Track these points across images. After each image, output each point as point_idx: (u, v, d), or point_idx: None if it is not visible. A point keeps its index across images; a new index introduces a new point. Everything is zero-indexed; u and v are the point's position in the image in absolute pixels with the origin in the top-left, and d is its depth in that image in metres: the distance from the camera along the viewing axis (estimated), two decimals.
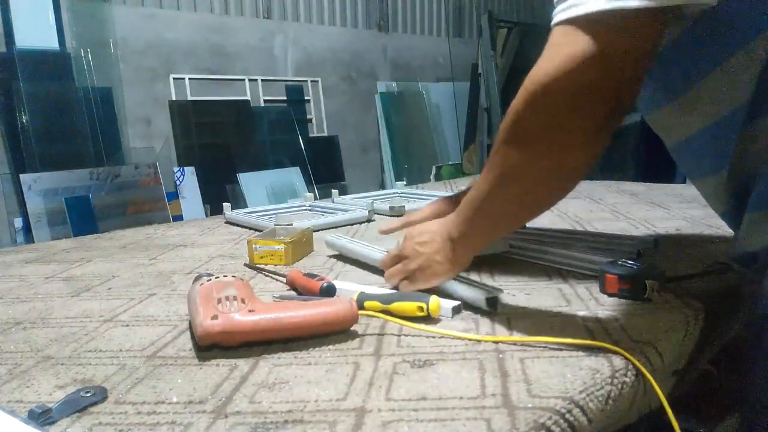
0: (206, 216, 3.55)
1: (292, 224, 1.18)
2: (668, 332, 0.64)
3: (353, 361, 0.59)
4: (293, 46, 4.35)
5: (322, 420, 0.47)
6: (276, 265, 0.99)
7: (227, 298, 0.63)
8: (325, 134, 4.55)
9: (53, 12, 3.21)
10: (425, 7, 5.37)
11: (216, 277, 0.69)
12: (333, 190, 1.73)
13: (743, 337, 0.65)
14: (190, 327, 0.68)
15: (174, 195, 3.61)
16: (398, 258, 0.79)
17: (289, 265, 0.99)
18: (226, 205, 1.50)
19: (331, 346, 0.62)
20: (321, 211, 1.53)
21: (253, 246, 1.00)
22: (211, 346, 0.62)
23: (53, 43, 3.21)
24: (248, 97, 4.07)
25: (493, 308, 0.71)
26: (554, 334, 0.63)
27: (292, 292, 0.83)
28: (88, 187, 3.20)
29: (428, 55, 5.24)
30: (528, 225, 1.08)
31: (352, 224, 1.35)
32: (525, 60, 4.44)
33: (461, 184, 2.12)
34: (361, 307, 0.69)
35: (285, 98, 4.30)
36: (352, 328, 0.66)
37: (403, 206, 1.45)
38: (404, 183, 2.00)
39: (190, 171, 3.69)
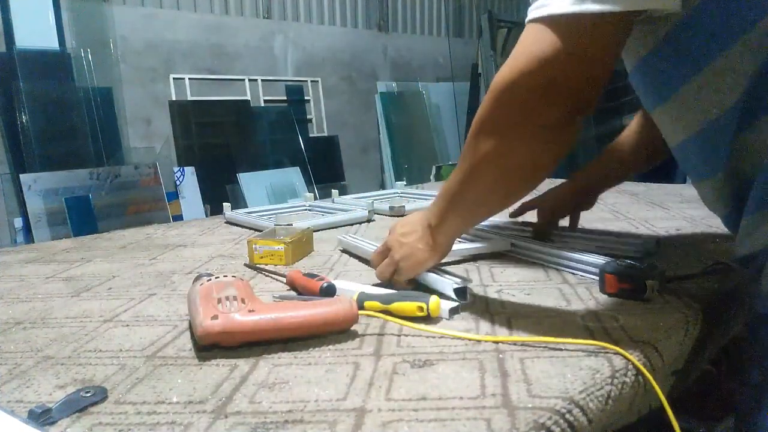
0: (206, 216, 3.55)
1: (292, 224, 1.18)
2: (668, 332, 0.64)
3: (353, 361, 0.59)
4: (293, 46, 4.36)
5: (322, 420, 0.47)
6: (276, 265, 0.99)
7: (227, 298, 0.63)
8: (325, 134, 4.55)
9: (53, 12, 3.21)
10: (425, 7, 5.37)
11: (216, 277, 0.69)
12: (333, 190, 1.73)
13: (743, 337, 0.65)
14: (190, 327, 0.68)
15: (174, 195, 3.62)
16: (385, 253, 0.81)
17: (289, 265, 0.99)
18: (226, 205, 1.50)
19: (331, 346, 0.62)
20: (321, 211, 1.53)
21: (253, 246, 1.00)
22: (211, 346, 0.62)
23: (53, 43, 3.22)
24: (248, 97, 4.07)
25: (463, 298, 0.73)
26: (554, 334, 0.63)
27: (292, 292, 0.83)
28: (88, 187, 3.20)
29: (428, 55, 5.25)
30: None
31: (352, 224, 1.35)
32: None
33: None
34: (361, 307, 0.69)
35: (285, 98, 4.30)
36: (352, 328, 0.66)
37: (403, 206, 1.45)
38: (404, 183, 2.00)
39: (190, 171, 3.69)
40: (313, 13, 4.52)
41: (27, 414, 0.48)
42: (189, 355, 0.62)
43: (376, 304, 0.70)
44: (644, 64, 0.67)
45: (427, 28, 5.42)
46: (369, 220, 1.39)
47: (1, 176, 3.09)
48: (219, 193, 3.48)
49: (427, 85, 5.14)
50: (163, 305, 0.80)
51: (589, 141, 4.46)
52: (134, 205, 3.37)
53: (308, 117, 4.44)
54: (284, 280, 0.86)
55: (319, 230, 1.26)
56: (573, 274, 0.86)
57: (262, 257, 1.00)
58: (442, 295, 0.72)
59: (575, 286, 0.81)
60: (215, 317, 0.60)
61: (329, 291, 0.77)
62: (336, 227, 1.33)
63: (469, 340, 0.63)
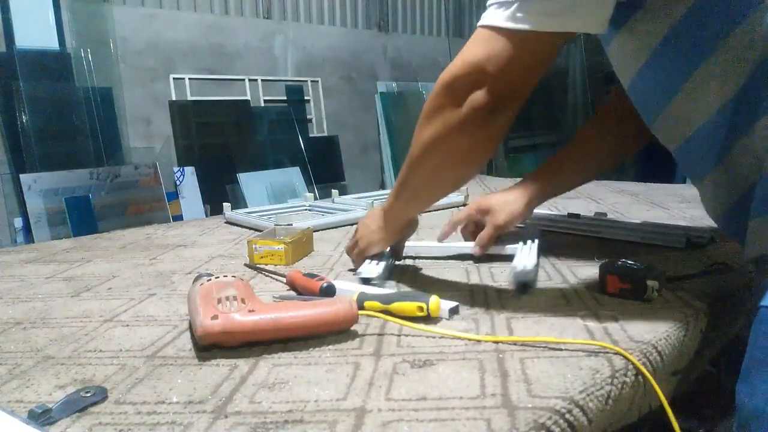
0: (206, 216, 3.55)
1: (292, 224, 1.18)
2: (668, 332, 0.64)
3: (353, 361, 0.59)
4: (293, 46, 4.35)
5: (322, 420, 0.47)
6: (276, 265, 0.99)
7: (227, 298, 0.63)
8: (325, 134, 4.55)
9: (53, 12, 3.21)
10: (425, 7, 5.37)
11: (216, 277, 0.69)
12: (333, 190, 1.73)
13: (743, 337, 0.65)
14: (190, 327, 0.68)
15: (174, 195, 3.61)
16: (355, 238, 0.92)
17: (289, 265, 0.99)
18: (226, 205, 1.50)
19: (331, 346, 0.62)
20: (321, 211, 1.54)
21: (253, 246, 1.01)
22: (211, 346, 0.62)
23: (53, 43, 3.21)
24: (248, 97, 4.07)
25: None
26: (554, 334, 0.63)
27: (292, 292, 0.83)
28: (88, 187, 3.20)
29: (428, 55, 5.24)
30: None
31: (352, 224, 1.35)
32: None
33: None
34: (361, 307, 0.69)
35: (285, 98, 4.30)
36: (352, 328, 0.66)
37: None
38: None
39: (190, 171, 3.69)
40: (313, 13, 4.52)
41: (27, 414, 0.48)
42: (189, 355, 0.62)
43: (376, 304, 0.70)
44: (640, 77, 0.69)
45: (427, 28, 5.41)
46: None
47: (1, 176, 3.09)
48: (219, 193, 3.47)
49: (427, 85, 5.14)
50: (163, 305, 0.80)
51: None
52: (134, 205, 3.37)
53: (308, 117, 4.43)
54: (284, 280, 0.86)
55: (319, 230, 1.26)
56: (573, 273, 0.86)
57: (262, 257, 1.00)
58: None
59: (575, 286, 0.81)
60: (215, 317, 0.60)
61: (329, 291, 0.77)
62: (336, 227, 1.33)
63: (469, 340, 0.63)
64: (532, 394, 0.50)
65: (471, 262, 0.96)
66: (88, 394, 0.52)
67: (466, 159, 0.72)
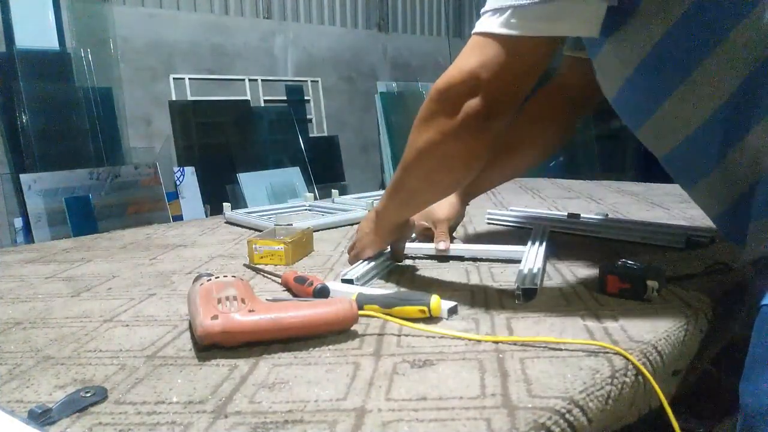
0: (206, 216, 3.55)
1: (292, 224, 1.18)
2: (668, 332, 0.64)
3: (353, 361, 0.59)
4: (293, 46, 4.36)
5: (322, 420, 0.47)
6: (276, 266, 0.99)
7: (227, 298, 0.63)
8: (325, 134, 4.55)
9: (53, 12, 3.21)
10: (425, 7, 5.37)
11: (216, 277, 0.69)
12: (333, 190, 1.73)
13: (744, 337, 0.65)
14: (190, 327, 0.68)
15: (174, 195, 3.62)
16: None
17: (289, 265, 0.99)
18: (226, 205, 1.50)
19: (331, 346, 0.62)
20: (321, 211, 1.53)
21: (254, 246, 1.00)
22: (211, 346, 0.62)
23: (53, 43, 3.22)
24: (248, 97, 4.07)
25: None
26: (554, 334, 0.63)
27: (287, 294, 0.83)
28: (88, 187, 3.20)
29: (428, 55, 5.24)
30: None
31: (352, 224, 1.35)
32: None
33: None
34: (360, 308, 0.69)
35: (285, 98, 4.30)
36: (352, 328, 0.66)
37: None
38: None
39: (190, 171, 3.69)
40: (313, 13, 4.52)
41: (27, 414, 0.48)
42: (189, 355, 0.62)
43: (376, 308, 0.70)
44: (630, 84, 0.69)
45: (427, 28, 5.42)
46: None
47: (1, 176, 3.09)
48: (219, 193, 3.48)
49: (427, 85, 5.14)
50: (163, 305, 0.80)
51: (589, 141, 4.46)
52: (134, 205, 3.37)
53: (308, 117, 4.43)
54: (279, 281, 0.86)
55: (319, 230, 1.26)
56: (573, 273, 0.86)
57: (262, 257, 1.00)
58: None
59: (575, 286, 0.81)
60: (215, 317, 0.60)
61: (322, 293, 0.76)
62: (336, 227, 1.33)
63: (469, 340, 0.63)
64: (532, 394, 0.50)
65: (471, 262, 0.96)
66: (88, 394, 0.52)
67: (460, 164, 0.72)
